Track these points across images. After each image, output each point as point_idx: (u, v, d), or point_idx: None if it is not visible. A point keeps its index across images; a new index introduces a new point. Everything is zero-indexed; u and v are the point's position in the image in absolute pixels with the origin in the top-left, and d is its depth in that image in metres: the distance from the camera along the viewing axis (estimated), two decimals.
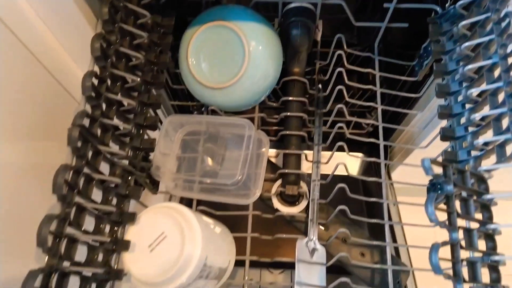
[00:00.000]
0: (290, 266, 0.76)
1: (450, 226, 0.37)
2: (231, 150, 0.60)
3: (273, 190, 0.61)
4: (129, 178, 0.47)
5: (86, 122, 0.40)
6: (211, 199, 0.59)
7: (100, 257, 0.42)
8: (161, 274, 0.42)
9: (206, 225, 0.49)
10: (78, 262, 0.39)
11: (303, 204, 0.60)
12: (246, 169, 0.52)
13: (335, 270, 0.55)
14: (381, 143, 0.61)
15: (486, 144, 0.44)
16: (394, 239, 0.76)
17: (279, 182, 0.62)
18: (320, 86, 0.65)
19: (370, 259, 0.59)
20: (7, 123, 0.45)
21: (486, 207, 0.41)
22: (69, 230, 0.37)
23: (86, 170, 0.39)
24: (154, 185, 0.57)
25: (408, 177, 0.58)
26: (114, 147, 0.45)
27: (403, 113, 0.74)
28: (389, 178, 0.87)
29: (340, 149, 0.57)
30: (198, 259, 0.44)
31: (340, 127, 0.58)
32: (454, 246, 0.36)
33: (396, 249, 0.73)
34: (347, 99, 0.60)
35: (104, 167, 0.44)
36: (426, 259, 0.35)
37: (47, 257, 0.34)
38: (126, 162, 0.47)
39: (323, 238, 0.58)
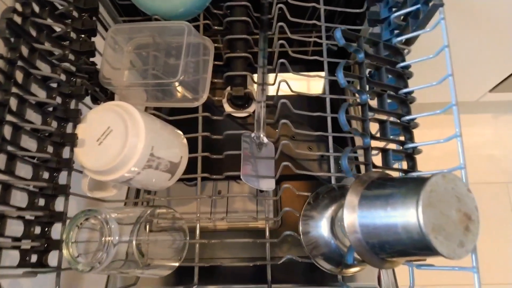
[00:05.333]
0: None
1: (360, 89, 0.40)
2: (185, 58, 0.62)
3: (225, 95, 0.64)
4: (72, 79, 0.49)
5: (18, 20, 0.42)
6: (163, 105, 0.62)
7: (50, 149, 0.46)
8: (108, 163, 0.46)
9: (152, 121, 0.52)
10: (27, 149, 0.42)
11: (253, 107, 0.63)
12: (187, 68, 0.54)
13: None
14: (325, 60, 0.61)
15: (404, 19, 0.46)
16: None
17: (229, 88, 0.65)
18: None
19: (317, 151, 0.64)
20: None
21: (401, 76, 0.44)
22: (9, 117, 0.40)
23: (21, 63, 0.41)
24: (106, 95, 0.59)
25: None
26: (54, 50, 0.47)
27: None
28: None
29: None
30: (142, 148, 0.47)
31: (282, 45, 0.59)
32: (364, 106, 0.40)
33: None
34: (289, 17, 0.61)
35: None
36: None
37: None
38: (68, 65, 0.49)
39: (273, 136, 0.62)
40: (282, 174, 0.56)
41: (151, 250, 0.55)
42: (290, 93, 0.60)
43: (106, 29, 0.65)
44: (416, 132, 0.44)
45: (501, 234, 1.32)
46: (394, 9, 0.48)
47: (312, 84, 0.93)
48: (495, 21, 0.90)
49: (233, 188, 0.87)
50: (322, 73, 0.61)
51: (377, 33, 0.50)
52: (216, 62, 0.63)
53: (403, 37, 0.44)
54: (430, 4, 0.39)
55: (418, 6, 0.42)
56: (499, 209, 1.36)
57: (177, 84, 0.53)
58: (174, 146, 0.56)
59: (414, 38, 0.45)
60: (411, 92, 0.43)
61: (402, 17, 0.46)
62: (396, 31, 0.48)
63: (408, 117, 0.42)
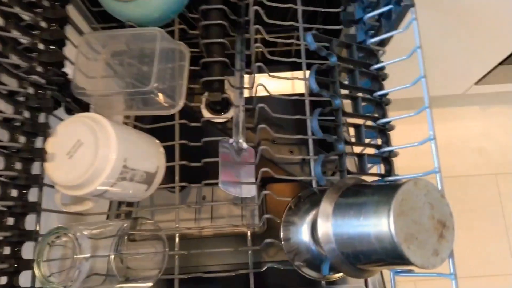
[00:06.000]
0: None
1: (334, 93, 0.39)
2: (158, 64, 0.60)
3: (203, 101, 0.63)
4: (40, 92, 0.48)
5: None
6: (139, 114, 0.61)
7: (19, 166, 0.44)
8: (79, 177, 0.45)
9: (126, 131, 0.51)
10: None
11: (232, 112, 0.62)
12: (160, 77, 0.53)
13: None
14: (304, 61, 0.58)
15: (377, 20, 0.45)
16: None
17: (207, 93, 0.63)
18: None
19: (298, 155, 0.63)
20: None
21: (375, 78, 0.43)
22: None
23: None
24: (81, 106, 0.58)
25: None
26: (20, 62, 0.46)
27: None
28: None
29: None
30: (114, 160, 0.46)
31: (258, 47, 0.58)
32: (337, 111, 0.39)
33: None
34: (265, 19, 0.60)
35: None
36: None
37: None
38: (36, 77, 0.48)
39: (253, 141, 0.61)
40: (266, 176, 0.54)
41: (130, 263, 0.54)
42: (271, 93, 0.58)
43: None
44: (397, 128, 0.43)
45: (491, 225, 1.33)
46: (368, 9, 0.48)
47: (297, 82, 0.92)
48: (478, 14, 0.90)
49: (218, 193, 0.86)
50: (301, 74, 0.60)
51: (353, 34, 0.49)
52: (193, 67, 0.61)
53: (377, 38, 0.43)
54: (401, 4, 0.38)
55: (390, 6, 0.41)
56: (488, 201, 1.36)
57: (154, 91, 0.52)
58: (150, 156, 0.55)
59: (388, 39, 0.44)
60: (386, 94, 0.42)
61: (376, 18, 0.45)
62: (371, 32, 0.47)
63: (383, 120, 0.41)
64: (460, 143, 1.42)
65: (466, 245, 1.27)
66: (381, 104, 0.42)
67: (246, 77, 0.63)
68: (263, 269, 0.53)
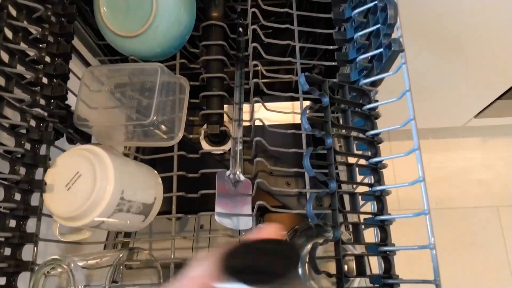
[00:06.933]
0: None
1: (326, 133, 0.40)
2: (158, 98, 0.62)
3: (202, 133, 0.65)
4: (42, 124, 0.49)
5: None
6: (138, 145, 0.62)
7: (18, 197, 0.45)
8: (77, 209, 0.45)
9: (125, 163, 0.52)
10: None
11: (229, 144, 0.63)
12: (160, 110, 0.54)
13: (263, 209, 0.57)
14: (301, 96, 0.59)
15: (370, 61, 0.47)
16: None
17: (206, 125, 0.65)
18: (241, 29, 0.67)
19: (295, 187, 0.63)
20: None
21: (368, 117, 0.44)
22: None
23: None
24: (82, 136, 0.59)
25: None
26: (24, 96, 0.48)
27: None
28: None
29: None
30: (111, 193, 0.47)
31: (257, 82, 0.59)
32: (329, 150, 0.40)
33: None
34: (264, 55, 0.61)
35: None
36: None
37: None
38: (39, 110, 0.49)
39: (251, 172, 0.62)
40: (265, 206, 0.54)
41: None
42: (269, 123, 0.59)
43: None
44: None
45: (493, 259, 1.31)
46: (362, 50, 0.49)
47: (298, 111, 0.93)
48: (477, 51, 0.92)
49: (216, 222, 0.86)
50: (298, 109, 0.61)
51: (347, 73, 0.50)
52: (192, 100, 0.63)
53: (368, 80, 0.45)
54: (392, 49, 0.40)
55: (381, 50, 0.42)
56: (490, 234, 1.35)
57: (154, 123, 0.53)
58: (148, 188, 0.55)
59: (380, 80, 0.45)
60: (379, 133, 0.43)
61: (369, 59, 0.47)
62: (364, 72, 0.48)
63: (375, 160, 0.42)
64: (460, 174, 1.42)
65: (468, 277, 1.25)
66: (373, 143, 0.43)
67: (247, 107, 0.64)
68: None
